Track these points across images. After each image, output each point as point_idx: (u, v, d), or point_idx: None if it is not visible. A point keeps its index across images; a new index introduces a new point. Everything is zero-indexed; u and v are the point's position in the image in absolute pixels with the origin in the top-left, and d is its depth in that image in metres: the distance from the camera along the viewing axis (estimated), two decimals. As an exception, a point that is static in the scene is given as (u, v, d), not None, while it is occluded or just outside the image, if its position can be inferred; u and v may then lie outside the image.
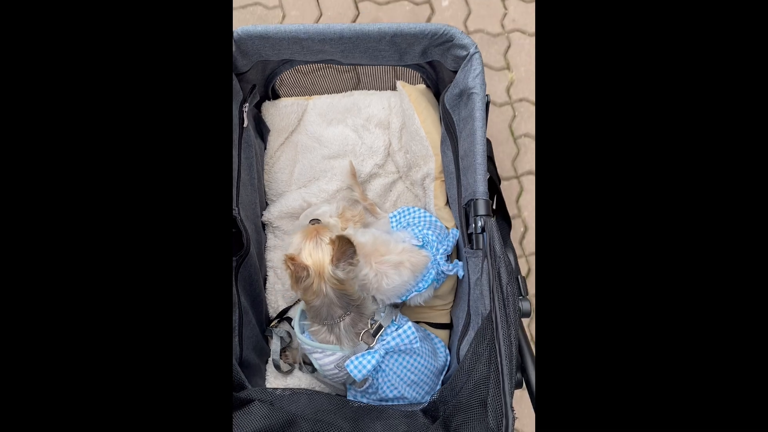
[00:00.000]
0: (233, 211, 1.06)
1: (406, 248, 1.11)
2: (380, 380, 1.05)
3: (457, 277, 1.15)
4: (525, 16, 1.70)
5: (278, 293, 1.32)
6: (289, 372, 1.24)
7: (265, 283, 1.33)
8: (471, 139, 0.99)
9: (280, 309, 1.30)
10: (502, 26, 1.70)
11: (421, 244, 1.15)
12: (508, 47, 1.69)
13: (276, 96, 1.38)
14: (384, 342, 1.05)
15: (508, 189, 1.64)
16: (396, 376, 1.06)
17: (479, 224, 0.95)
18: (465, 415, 0.82)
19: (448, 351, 1.22)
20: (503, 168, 1.65)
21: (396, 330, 1.07)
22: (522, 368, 0.80)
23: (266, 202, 1.37)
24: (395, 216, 1.26)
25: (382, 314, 1.09)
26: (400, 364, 1.06)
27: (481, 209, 0.96)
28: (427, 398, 1.09)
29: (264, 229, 1.36)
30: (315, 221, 1.14)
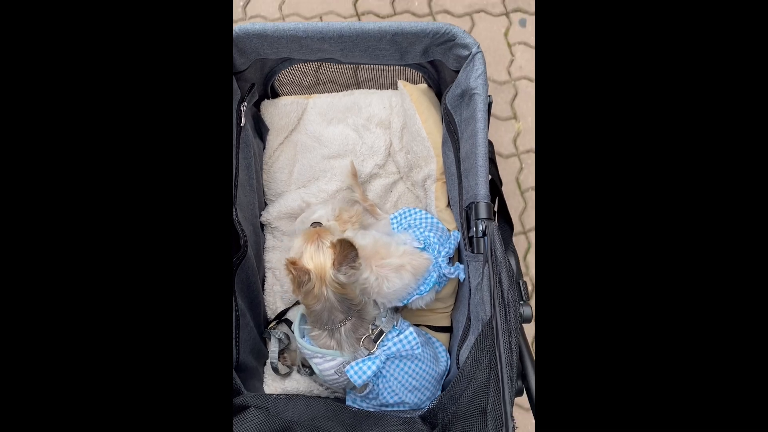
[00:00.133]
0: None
1: (407, 251, 1.10)
2: (381, 386, 1.04)
3: (458, 280, 1.14)
4: (532, 63, 1.66)
5: (277, 294, 1.31)
6: (288, 375, 1.23)
7: (263, 285, 1.31)
8: (473, 141, 0.97)
9: (279, 310, 1.29)
10: (509, 73, 1.65)
11: (422, 246, 1.13)
12: (515, 96, 1.64)
13: (275, 94, 1.36)
14: (385, 348, 1.04)
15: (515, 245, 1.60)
16: (397, 382, 1.04)
17: (480, 228, 0.94)
18: (464, 423, 0.81)
19: (449, 355, 1.20)
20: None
21: (397, 335, 1.06)
22: (523, 375, 0.79)
23: (265, 203, 1.36)
24: (396, 217, 1.24)
25: (384, 319, 1.07)
26: (402, 369, 1.05)
27: (483, 212, 0.94)
28: (428, 404, 1.08)
29: (263, 230, 1.34)
30: (316, 224, 1.13)
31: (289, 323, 1.27)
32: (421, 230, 1.17)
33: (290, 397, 0.93)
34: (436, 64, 1.13)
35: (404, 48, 1.04)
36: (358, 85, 1.41)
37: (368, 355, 1.02)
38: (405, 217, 1.23)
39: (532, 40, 1.66)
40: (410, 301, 1.11)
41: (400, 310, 1.18)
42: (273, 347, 1.21)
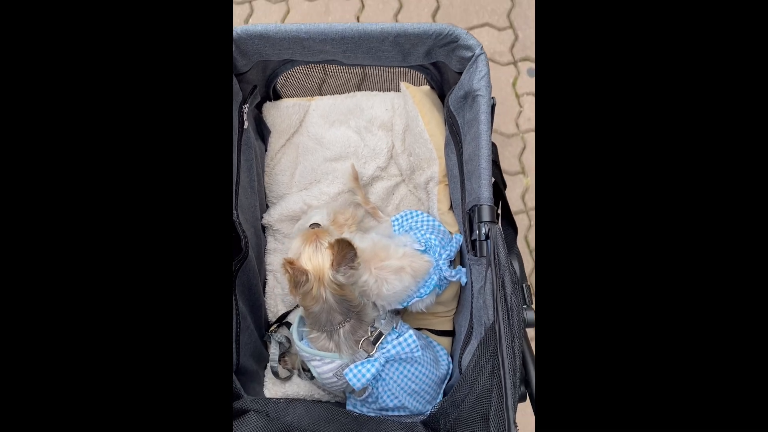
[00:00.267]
0: (232, 215, 1.04)
1: (407, 253, 1.09)
2: (380, 389, 1.03)
3: (460, 283, 1.13)
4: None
5: (278, 297, 1.30)
6: (288, 378, 1.22)
7: (264, 288, 1.31)
8: (476, 143, 0.96)
9: (280, 313, 1.28)
10: (517, 126, 1.61)
11: (423, 248, 1.12)
12: (523, 149, 1.60)
13: (277, 96, 1.36)
14: (384, 350, 1.02)
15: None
16: (396, 385, 1.03)
17: (483, 231, 0.93)
18: (466, 429, 0.80)
19: (450, 359, 1.19)
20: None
21: (397, 338, 1.04)
22: (526, 381, 0.77)
23: (266, 205, 1.35)
24: (398, 219, 1.23)
25: (383, 321, 1.06)
26: (401, 372, 1.04)
27: (486, 215, 0.93)
28: (429, 408, 1.07)
29: (264, 232, 1.34)
30: (315, 225, 1.12)
31: (289, 326, 1.26)
32: (423, 232, 1.17)
33: (290, 402, 0.92)
34: (439, 65, 1.12)
35: (407, 49, 1.03)
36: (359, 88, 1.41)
37: (367, 357, 1.01)
38: (406, 220, 1.22)
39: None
40: (410, 303, 1.10)
41: (400, 313, 1.17)
42: (273, 351, 1.21)
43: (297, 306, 1.26)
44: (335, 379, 1.04)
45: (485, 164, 0.94)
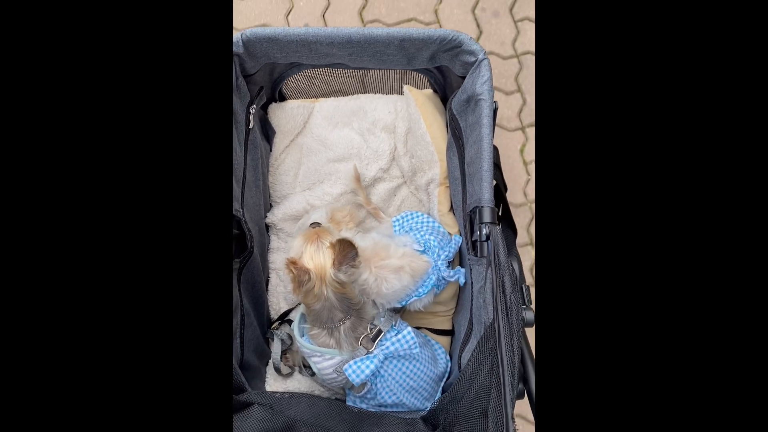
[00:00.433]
0: (238, 213, 1.06)
1: (406, 253, 1.11)
2: (379, 386, 1.05)
3: (459, 283, 1.15)
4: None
5: (280, 295, 1.32)
6: (289, 375, 1.23)
7: (267, 285, 1.32)
8: (478, 146, 0.98)
9: (282, 311, 1.30)
10: (525, 195, 1.60)
11: (422, 249, 1.14)
12: (531, 219, 1.59)
13: (282, 98, 1.38)
14: (383, 347, 1.04)
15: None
16: (395, 382, 1.05)
17: (484, 232, 0.95)
18: (465, 425, 0.81)
19: (449, 357, 1.21)
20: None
21: (395, 335, 1.06)
22: (524, 379, 0.79)
23: (270, 204, 1.37)
24: (398, 220, 1.25)
25: (382, 319, 1.08)
26: (399, 369, 1.05)
27: (487, 217, 0.95)
28: (427, 405, 1.09)
29: (267, 231, 1.35)
30: (315, 224, 1.14)
31: (291, 324, 1.28)
32: (422, 233, 1.19)
33: (293, 396, 0.93)
34: (443, 69, 1.14)
35: (412, 54, 1.05)
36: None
37: (366, 354, 1.03)
38: (407, 220, 1.24)
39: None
40: (408, 302, 1.12)
41: (399, 312, 1.19)
42: (275, 348, 1.22)
43: (299, 304, 1.28)
44: (335, 375, 1.05)
45: (487, 166, 0.95)
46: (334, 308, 1.00)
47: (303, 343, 1.06)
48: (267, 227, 1.35)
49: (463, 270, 1.13)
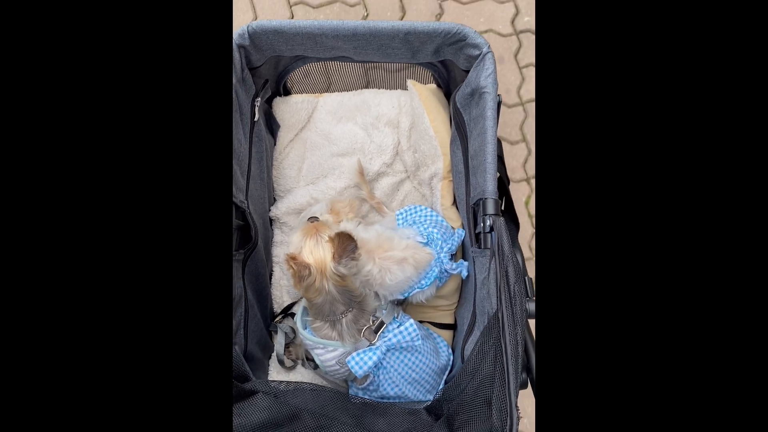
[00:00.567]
0: (243, 204, 1.06)
1: (410, 245, 1.11)
2: (381, 377, 1.05)
3: (461, 277, 1.15)
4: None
5: (283, 288, 1.32)
6: (292, 368, 1.24)
7: (270, 279, 1.33)
8: (482, 139, 0.99)
9: (285, 304, 1.31)
10: (530, 249, 1.60)
11: (425, 241, 1.14)
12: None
13: (287, 92, 1.38)
14: (385, 339, 1.05)
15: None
16: (397, 374, 1.05)
17: (488, 223, 0.95)
18: (469, 414, 0.82)
19: (450, 351, 1.21)
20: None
21: (398, 327, 1.07)
22: (527, 368, 0.80)
23: (274, 198, 1.38)
24: (402, 213, 1.26)
25: (384, 311, 1.09)
26: (402, 361, 1.06)
27: (490, 208, 0.96)
28: (429, 397, 1.09)
29: (271, 225, 1.36)
30: (313, 219, 1.15)
31: (294, 317, 1.29)
32: (425, 226, 1.19)
33: (298, 385, 0.94)
34: (447, 63, 1.15)
35: (416, 47, 1.06)
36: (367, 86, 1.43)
37: (369, 345, 1.03)
38: (410, 214, 1.25)
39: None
40: (411, 294, 1.12)
41: (401, 304, 1.19)
42: (279, 340, 1.23)
43: (302, 297, 1.28)
44: (338, 367, 1.06)
45: (491, 159, 0.96)
46: (335, 301, 1.00)
47: (306, 336, 1.07)
48: (271, 221, 1.36)
49: (465, 263, 1.13)
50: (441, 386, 1.13)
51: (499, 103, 1.00)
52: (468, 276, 1.14)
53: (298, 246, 1.02)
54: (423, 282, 1.12)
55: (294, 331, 1.26)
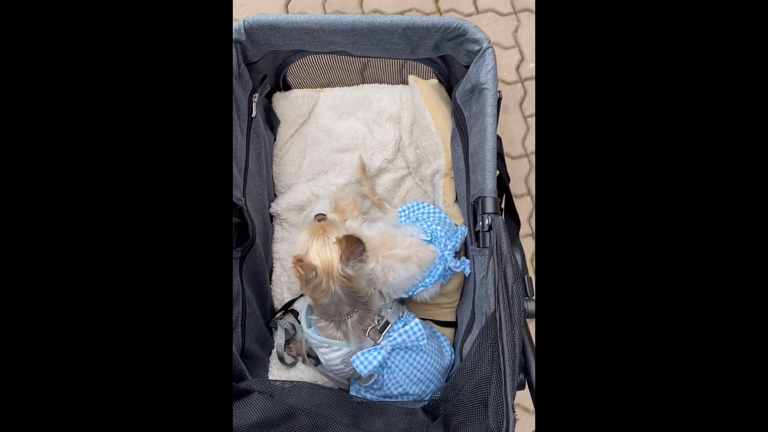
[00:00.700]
0: (240, 201, 1.06)
1: (413, 242, 1.10)
2: (386, 377, 1.05)
3: (464, 275, 1.14)
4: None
5: (284, 285, 1.32)
6: (293, 365, 1.24)
7: (271, 275, 1.33)
8: (481, 136, 0.97)
9: (286, 301, 1.30)
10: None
11: (429, 239, 1.13)
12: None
13: (287, 87, 1.37)
14: (390, 338, 1.04)
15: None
16: (402, 374, 1.05)
17: (486, 222, 0.94)
18: (465, 415, 0.81)
19: (453, 349, 1.21)
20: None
21: (403, 326, 1.06)
22: (525, 369, 0.79)
23: (274, 194, 1.37)
24: (404, 210, 1.25)
25: (389, 310, 1.08)
26: (407, 361, 1.05)
27: (489, 207, 0.95)
28: (431, 395, 1.08)
29: (271, 221, 1.35)
30: (321, 216, 1.14)
31: (295, 314, 1.28)
32: (429, 224, 1.18)
33: (294, 384, 0.93)
34: (447, 59, 1.13)
35: (415, 42, 1.04)
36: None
37: (374, 345, 1.03)
38: (413, 211, 1.24)
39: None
40: (415, 293, 1.11)
41: (405, 302, 1.18)
42: (279, 337, 1.22)
43: (303, 294, 1.28)
44: (342, 366, 1.06)
45: (490, 156, 0.95)
46: (341, 302, 1.00)
47: (310, 335, 1.06)
48: (271, 217, 1.35)
49: (468, 261, 1.12)
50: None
51: (499, 100, 0.98)
52: (469, 274, 1.13)
53: (304, 246, 1.01)
54: (427, 280, 1.11)
55: (294, 327, 1.25)
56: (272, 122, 1.33)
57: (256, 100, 1.14)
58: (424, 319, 1.24)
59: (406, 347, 1.05)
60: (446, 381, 1.13)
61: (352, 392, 1.12)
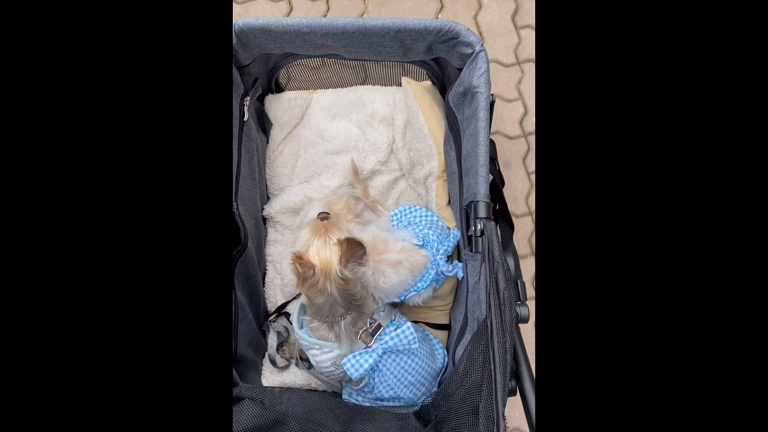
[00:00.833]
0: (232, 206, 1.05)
1: (405, 247, 1.10)
2: (377, 380, 1.04)
3: (457, 278, 1.14)
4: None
5: (277, 288, 1.32)
6: (286, 368, 1.23)
7: (264, 278, 1.32)
8: (474, 140, 0.97)
9: (279, 304, 1.30)
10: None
11: (421, 243, 1.13)
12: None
13: (279, 89, 1.36)
14: (382, 341, 1.04)
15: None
16: (393, 377, 1.05)
17: (479, 227, 0.94)
18: (456, 421, 0.81)
19: (446, 352, 1.20)
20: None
21: (395, 330, 1.06)
22: (516, 376, 0.79)
23: (267, 196, 1.36)
24: (396, 214, 1.24)
25: (382, 314, 1.08)
26: (398, 364, 1.05)
27: (482, 212, 0.94)
28: (423, 400, 1.08)
29: (264, 224, 1.35)
30: (324, 215, 1.13)
31: (288, 316, 1.28)
32: (421, 227, 1.18)
33: (285, 390, 0.93)
34: (440, 61, 1.13)
35: (408, 45, 1.03)
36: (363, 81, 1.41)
37: (365, 348, 1.02)
38: (405, 215, 1.23)
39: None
40: (407, 297, 1.11)
41: (398, 306, 1.18)
42: (271, 340, 1.22)
43: (296, 297, 1.28)
44: (333, 368, 1.05)
45: (482, 161, 0.94)
46: (336, 303, 0.99)
47: (301, 335, 1.06)
48: (264, 220, 1.34)
49: (461, 264, 1.12)
50: (435, 389, 1.12)
51: (492, 103, 0.98)
52: (462, 277, 1.13)
53: (305, 244, 1.01)
54: (419, 285, 1.10)
55: (288, 330, 1.25)
56: (264, 125, 1.32)
57: (247, 103, 1.13)
58: (417, 322, 1.24)
59: (398, 350, 1.04)
60: (438, 385, 1.13)
61: (344, 396, 1.12)
